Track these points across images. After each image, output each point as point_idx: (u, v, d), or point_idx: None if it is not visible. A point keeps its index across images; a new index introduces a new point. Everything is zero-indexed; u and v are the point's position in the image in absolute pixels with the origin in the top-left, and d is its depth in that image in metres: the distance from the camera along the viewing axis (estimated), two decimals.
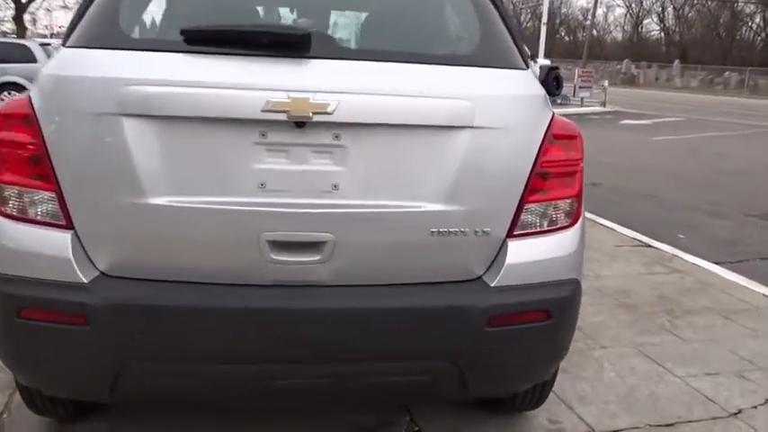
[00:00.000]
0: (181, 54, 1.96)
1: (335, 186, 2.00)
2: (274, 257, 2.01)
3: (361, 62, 2.04)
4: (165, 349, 1.98)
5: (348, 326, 2.01)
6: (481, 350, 2.08)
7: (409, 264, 2.10)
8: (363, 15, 2.65)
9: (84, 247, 1.98)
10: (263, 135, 1.95)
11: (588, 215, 6.26)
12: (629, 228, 6.37)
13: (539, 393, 2.72)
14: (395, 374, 2.10)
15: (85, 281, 1.96)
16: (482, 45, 2.24)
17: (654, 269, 5.16)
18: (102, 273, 2.00)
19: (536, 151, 2.13)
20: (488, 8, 2.30)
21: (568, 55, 54.58)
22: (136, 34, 2.17)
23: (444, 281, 2.13)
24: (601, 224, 6.48)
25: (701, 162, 11.42)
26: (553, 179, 2.17)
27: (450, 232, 2.08)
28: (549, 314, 2.14)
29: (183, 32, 1.96)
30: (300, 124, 1.94)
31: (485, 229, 2.11)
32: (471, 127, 2.04)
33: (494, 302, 2.08)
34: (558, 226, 2.21)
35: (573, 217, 2.24)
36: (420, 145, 2.03)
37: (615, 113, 21.22)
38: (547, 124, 2.17)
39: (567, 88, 21.51)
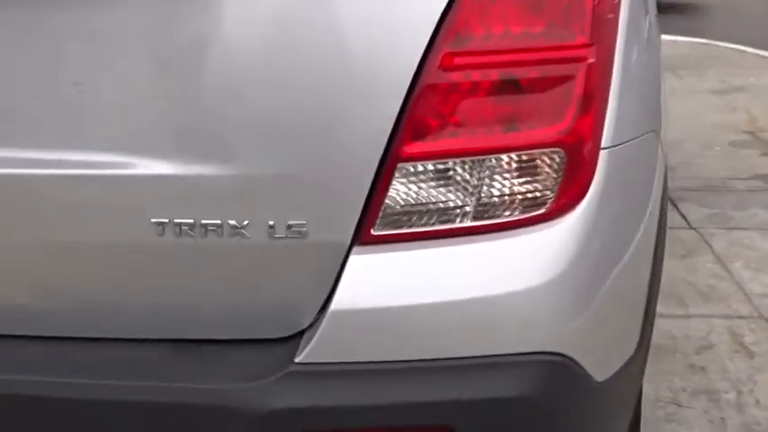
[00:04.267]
0: None
1: None
2: None
3: None
4: None
5: None
6: None
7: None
8: None
9: None
10: None
11: None
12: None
13: None
14: None
15: None
16: None
17: None
18: None
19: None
20: None
21: None
22: None
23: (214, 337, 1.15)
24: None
25: None
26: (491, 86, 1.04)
27: (205, 228, 1.06)
28: None
29: None
30: None
31: (290, 222, 1.05)
32: None
33: (281, 403, 1.05)
34: (509, 219, 1.06)
35: (558, 195, 1.05)
36: None
37: None
38: None
39: None
